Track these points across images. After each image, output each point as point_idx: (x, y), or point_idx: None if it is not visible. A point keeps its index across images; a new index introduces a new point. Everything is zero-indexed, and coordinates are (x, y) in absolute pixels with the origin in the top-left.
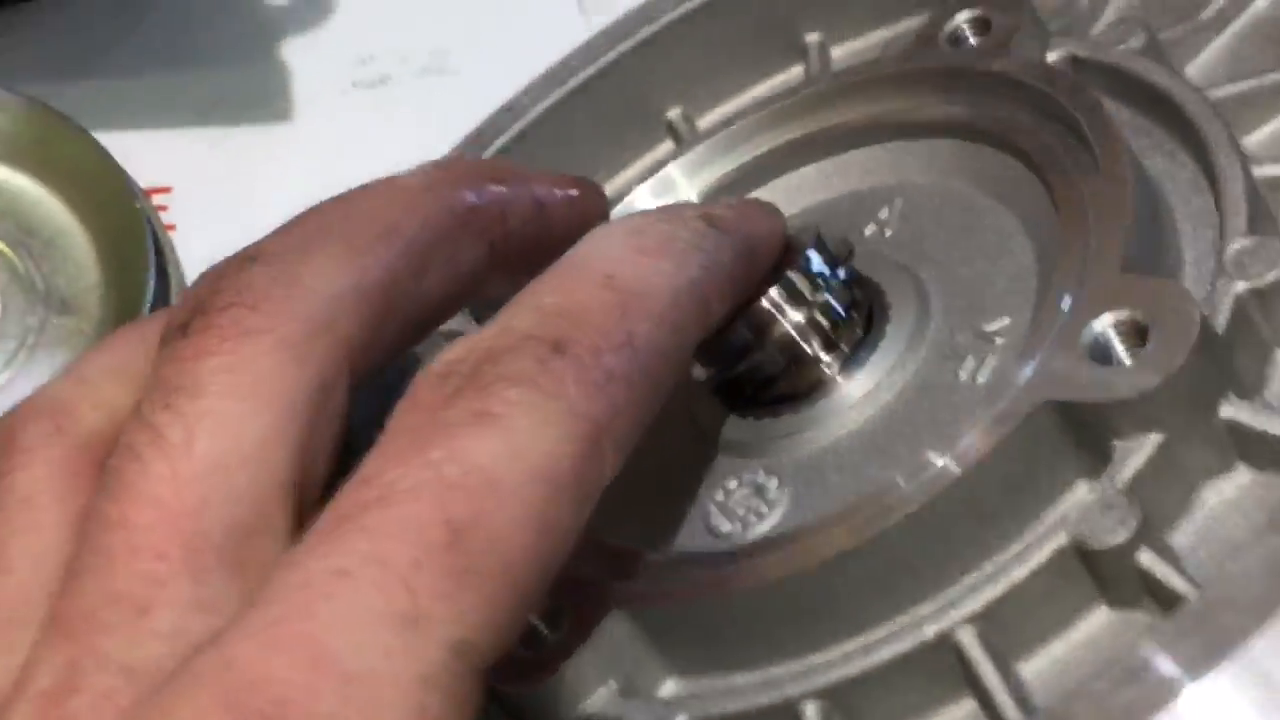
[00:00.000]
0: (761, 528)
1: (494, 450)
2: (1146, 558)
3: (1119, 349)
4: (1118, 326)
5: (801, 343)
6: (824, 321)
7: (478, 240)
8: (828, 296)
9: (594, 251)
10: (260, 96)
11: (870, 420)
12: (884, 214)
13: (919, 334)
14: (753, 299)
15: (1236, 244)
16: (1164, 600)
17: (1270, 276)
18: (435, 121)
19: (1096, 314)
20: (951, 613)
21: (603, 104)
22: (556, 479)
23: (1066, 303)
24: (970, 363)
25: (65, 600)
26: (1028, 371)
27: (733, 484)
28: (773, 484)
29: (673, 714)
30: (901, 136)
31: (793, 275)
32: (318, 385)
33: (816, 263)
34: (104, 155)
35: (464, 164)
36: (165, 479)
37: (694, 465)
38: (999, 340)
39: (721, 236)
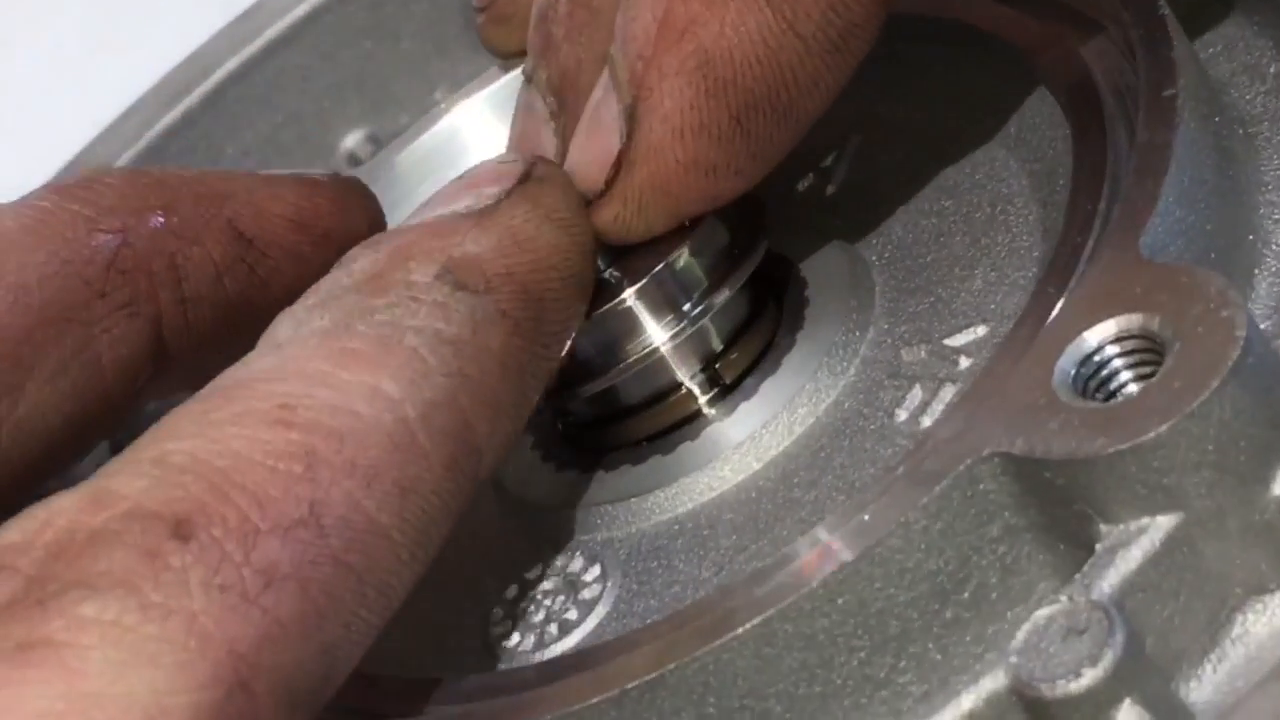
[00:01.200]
0: (564, 644)
1: (42, 708)
2: (1130, 717)
3: (1122, 376)
4: (1124, 340)
5: (670, 366)
6: (710, 339)
7: (129, 316)
8: (716, 302)
9: (268, 361)
10: None
11: (751, 479)
12: (830, 160)
13: (844, 349)
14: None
15: None
16: None
17: None
18: None
19: (1093, 321)
20: None
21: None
22: None
23: (1060, 304)
24: (917, 395)
25: None
26: (978, 409)
27: (534, 573)
28: (592, 575)
29: None
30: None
31: (664, 273)
32: None
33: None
34: None
35: (105, 179)
36: None
37: (480, 545)
38: (963, 362)
39: (479, 303)
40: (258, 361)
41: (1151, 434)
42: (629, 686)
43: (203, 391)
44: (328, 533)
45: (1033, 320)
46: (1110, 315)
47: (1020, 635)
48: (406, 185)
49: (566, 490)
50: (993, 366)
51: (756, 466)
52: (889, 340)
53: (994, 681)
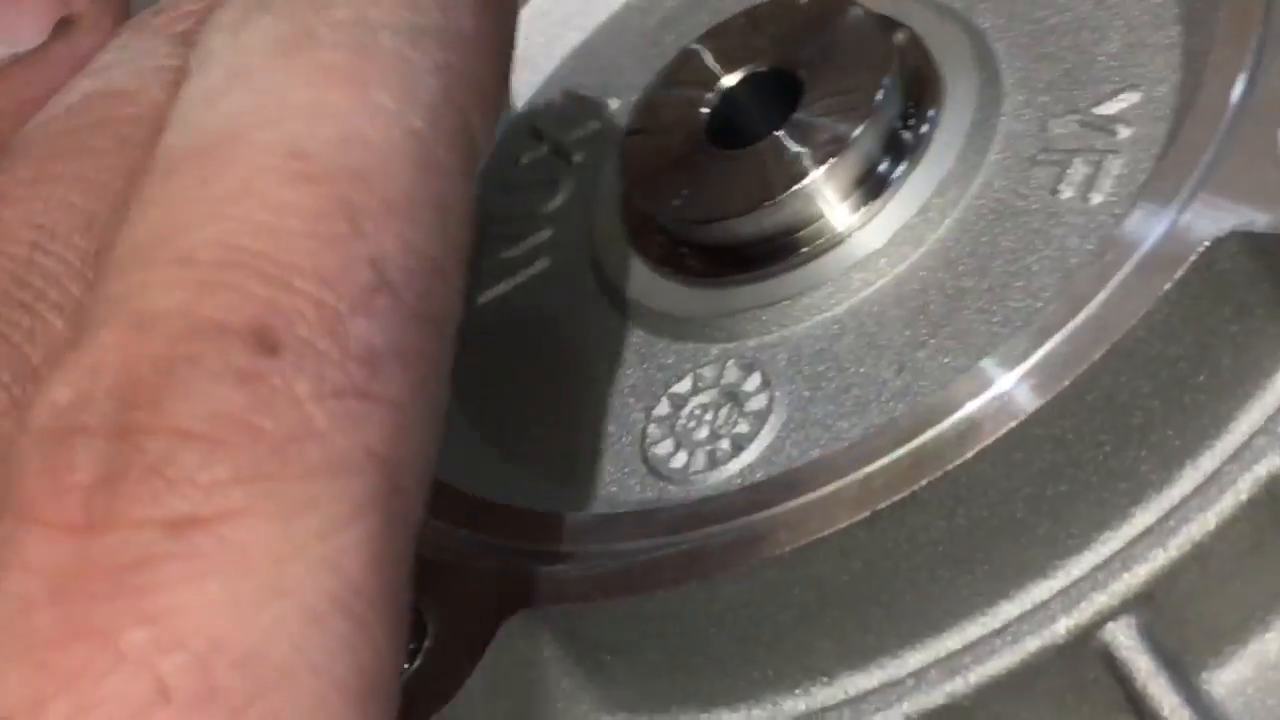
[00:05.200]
0: (741, 461)
1: (228, 598)
2: None
3: None
4: None
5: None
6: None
7: None
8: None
9: (241, 98)
10: None
11: (910, 271)
12: None
13: (981, 127)
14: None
15: None
16: None
17: None
18: None
19: None
20: (1094, 597)
21: None
22: (352, 601)
23: (1247, 58)
24: (1079, 169)
25: None
26: (1193, 185)
27: (683, 387)
28: (752, 384)
29: None
30: None
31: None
32: None
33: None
34: None
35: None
36: None
37: (611, 362)
38: (1123, 131)
39: None
40: (224, 98)
41: None
42: (881, 506)
43: (169, 159)
44: (398, 290)
45: (1203, 83)
46: None
47: None
48: None
49: (701, 301)
50: (1185, 135)
51: (914, 256)
52: (1028, 113)
53: (1250, 478)
